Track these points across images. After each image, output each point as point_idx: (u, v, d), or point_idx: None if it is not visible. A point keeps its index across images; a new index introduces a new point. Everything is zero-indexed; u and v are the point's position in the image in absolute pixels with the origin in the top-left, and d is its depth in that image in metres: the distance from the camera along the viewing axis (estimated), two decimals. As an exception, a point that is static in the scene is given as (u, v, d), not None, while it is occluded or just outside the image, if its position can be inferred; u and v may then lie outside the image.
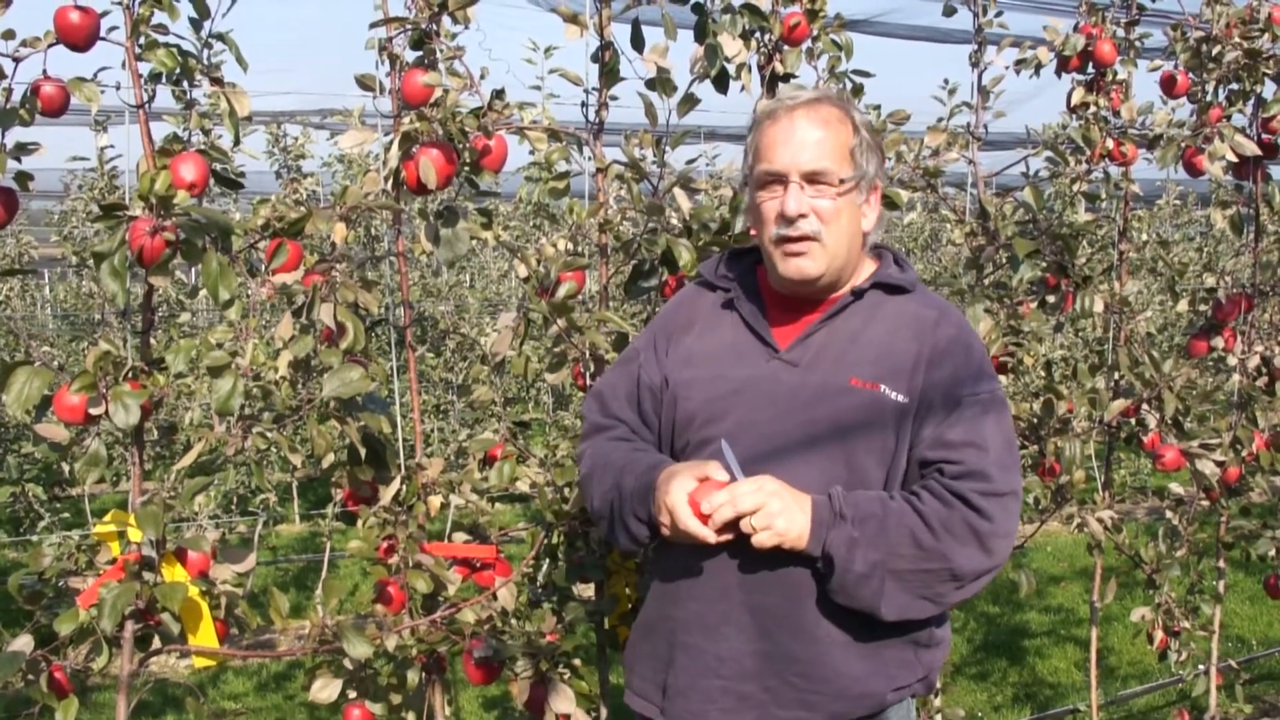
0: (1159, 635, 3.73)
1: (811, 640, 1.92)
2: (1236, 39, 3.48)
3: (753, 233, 2.11)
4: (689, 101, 2.67)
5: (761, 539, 1.83)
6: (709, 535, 1.86)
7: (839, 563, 1.85)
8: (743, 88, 2.70)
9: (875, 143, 2.04)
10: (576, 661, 2.58)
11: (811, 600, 1.92)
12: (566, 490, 2.69)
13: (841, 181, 1.97)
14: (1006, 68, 3.46)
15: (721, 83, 2.69)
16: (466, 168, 2.51)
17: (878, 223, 2.09)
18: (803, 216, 1.95)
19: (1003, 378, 3.09)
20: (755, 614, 1.93)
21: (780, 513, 1.84)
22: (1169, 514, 3.78)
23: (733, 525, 1.86)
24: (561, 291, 2.61)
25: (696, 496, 1.87)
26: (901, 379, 1.95)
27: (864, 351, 1.98)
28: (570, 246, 2.72)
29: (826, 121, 1.98)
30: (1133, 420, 3.49)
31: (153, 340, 2.33)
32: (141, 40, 2.23)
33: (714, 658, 1.95)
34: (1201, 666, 3.91)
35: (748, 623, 1.93)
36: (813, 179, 1.96)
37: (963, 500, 1.88)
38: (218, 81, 2.34)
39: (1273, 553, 3.77)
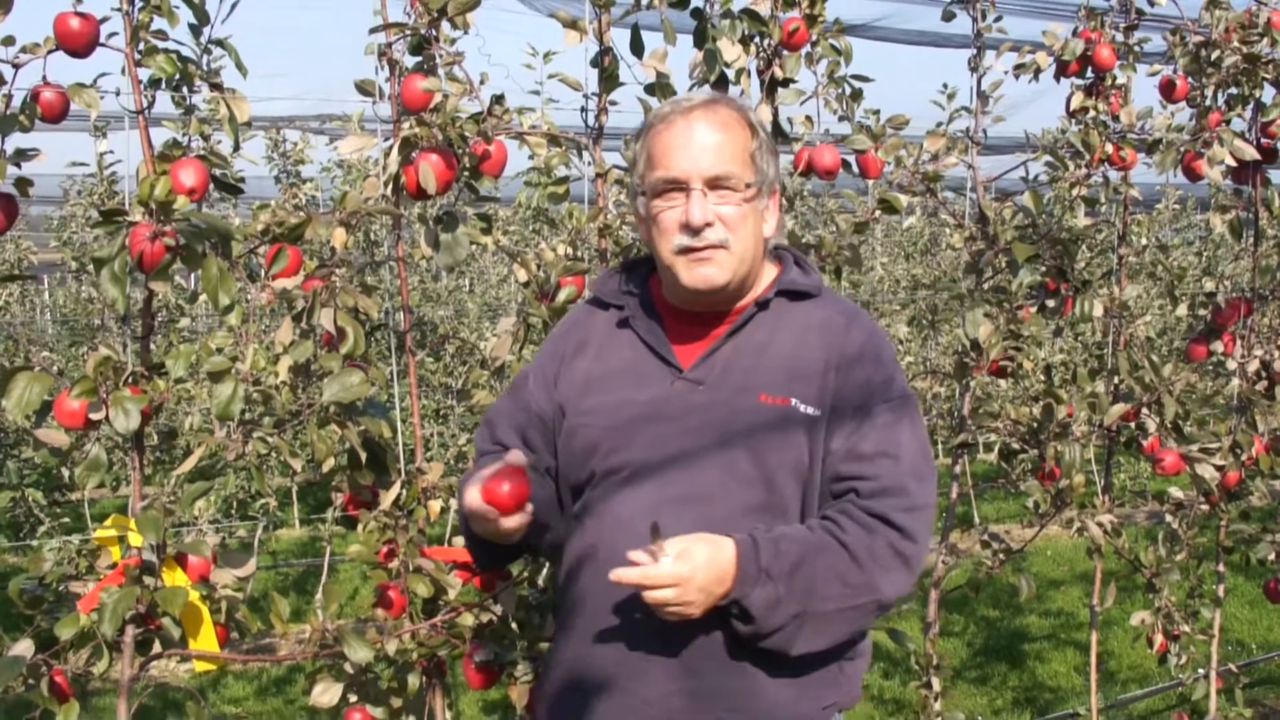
0: (1159, 639, 3.73)
1: (739, 674, 1.84)
2: (1235, 44, 3.48)
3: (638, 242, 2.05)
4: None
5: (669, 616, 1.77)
6: (494, 514, 1.80)
7: (757, 619, 1.78)
8: (742, 92, 2.71)
9: (772, 145, 1.97)
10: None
11: (734, 632, 1.83)
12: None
13: (747, 186, 1.89)
14: (1006, 72, 3.47)
15: (721, 87, 2.70)
16: (466, 173, 2.51)
17: (778, 227, 2.02)
18: (708, 225, 1.86)
19: (1002, 382, 3.10)
20: (679, 652, 1.84)
21: (696, 604, 1.75)
22: (1169, 518, 3.78)
23: (517, 511, 1.81)
24: (561, 296, 2.61)
25: (488, 482, 1.80)
26: (811, 389, 1.88)
27: (772, 364, 1.90)
28: (570, 251, 2.73)
29: (726, 124, 1.90)
30: (1132, 424, 3.49)
31: (152, 345, 2.34)
32: (141, 46, 2.23)
33: (640, 700, 1.86)
34: (1201, 670, 3.91)
35: (673, 662, 1.85)
36: (715, 185, 1.87)
37: (885, 521, 1.81)
38: (217, 87, 2.34)
39: (1272, 556, 3.77)
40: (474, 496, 1.83)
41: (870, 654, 2.03)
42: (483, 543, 1.96)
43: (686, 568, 1.72)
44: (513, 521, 1.83)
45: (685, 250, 1.88)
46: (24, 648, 2.17)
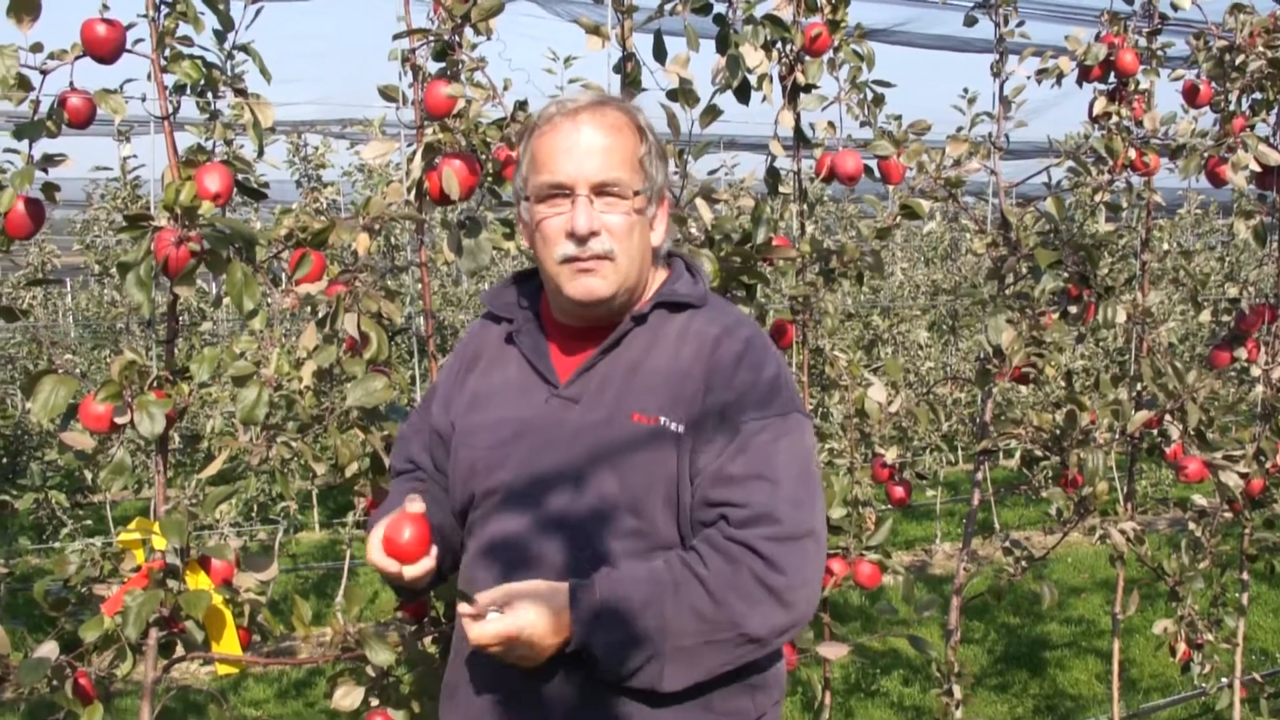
0: (1181, 648, 3.71)
1: (630, 705, 1.73)
2: (1260, 48, 3.46)
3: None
4: (711, 113, 2.67)
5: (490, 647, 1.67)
6: (396, 569, 1.76)
7: (603, 664, 1.68)
8: (764, 98, 2.71)
9: (662, 149, 1.87)
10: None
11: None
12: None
13: (635, 194, 1.79)
14: (1028, 77, 3.45)
15: (743, 93, 2.70)
16: (489, 178, 2.52)
17: (666, 234, 1.91)
18: (594, 234, 1.77)
19: (1023, 388, 3.08)
20: (556, 688, 1.74)
21: (530, 657, 1.68)
22: (1192, 526, 3.76)
23: (422, 558, 1.77)
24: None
25: (389, 532, 1.77)
26: (680, 406, 1.77)
27: (646, 382, 1.80)
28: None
29: (614, 127, 1.80)
30: (1155, 431, 3.47)
31: (175, 349, 2.35)
32: (167, 52, 2.25)
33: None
34: (1225, 680, 3.89)
35: (551, 698, 1.75)
36: (602, 191, 1.78)
37: (751, 550, 1.68)
38: (241, 92, 2.36)
39: (1296, 565, 3.75)
40: (376, 550, 1.78)
41: (783, 685, 1.90)
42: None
43: (512, 623, 1.65)
44: (415, 570, 1.78)
45: (570, 260, 1.79)
46: (49, 649, 2.18)
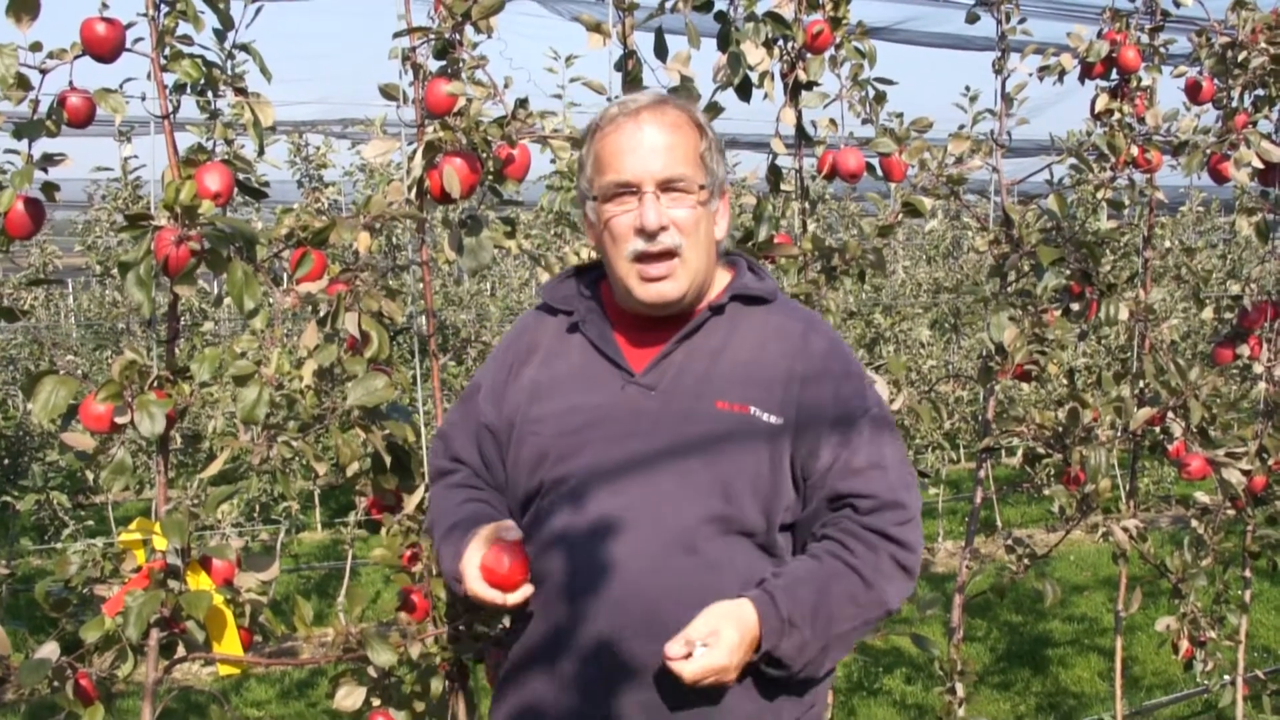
0: (1184, 645, 3.70)
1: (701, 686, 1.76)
2: (1262, 44, 3.46)
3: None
4: (712, 110, 2.67)
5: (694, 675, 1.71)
6: (500, 599, 1.80)
7: (790, 666, 1.78)
8: (766, 95, 2.70)
9: (720, 144, 1.93)
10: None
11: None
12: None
13: (700, 188, 1.85)
14: (1030, 74, 3.44)
15: (744, 91, 2.69)
16: (490, 177, 2.51)
17: (728, 228, 1.99)
18: (663, 229, 1.82)
19: (1025, 386, 3.08)
20: (639, 668, 1.79)
21: (732, 674, 1.74)
22: (1194, 523, 3.75)
23: (522, 584, 1.81)
24: (584, 300, 2.60)
25: (486, 561, 1.81)
26: (772, 398, 1.84)
27: (728, 371, 1.86)
28: (591, 255, 2.72)
29: (676, 126, 1.86)
30: (1157, 429, 3.47)
31: (176, 349, 2.35)
32: (166, 51, 2.24)
33: (600, 715, 1.81)
34: (1228, 677, 3.88)
35: (633, 677, 1.79)
36: (668, 187, 1.83)
37: (885, 537, 1.84)
38: (242, 92, 2.35)
39: (1299, 562, 3.74)
40: (475, 581, 1.82)
41: (835, 674, 2.08)
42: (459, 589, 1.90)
43: (721, 655, 1.71)
44: (517, 597, 1.83)
45: (640, 257, 1.84)
46: (50, 650, 2.18)
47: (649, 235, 1.82)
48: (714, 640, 1.71)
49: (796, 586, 1.78)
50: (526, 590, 1.83)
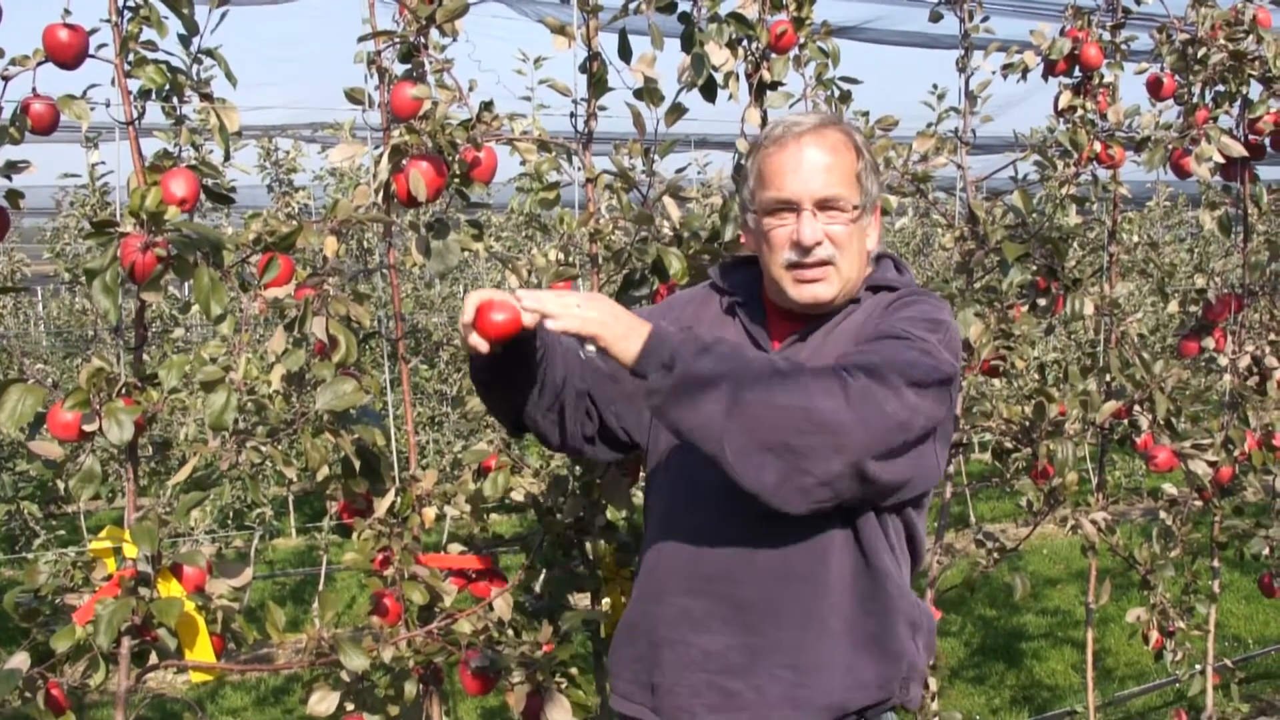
0: (1154, 636, 3.74)
1: (799, 628, 1.90)
2: (1222, 41, 3.49)
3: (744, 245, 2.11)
4: (676, 111, 2.68)
5: (564, 324, 1.77)
6: (478, 343, 1.82)
7: (681, 361, 1.75)
8: (730, 96, 2.71)
9: (875, 164, 2.06)
10: (573, 671, 2.58)
11: (799, 588, 1.90)
12: (560, 500, 2.70)
13: (854, 207, 1.98)
14: (994, 72, 3.47)
15: (709, 91, 2.70)
16: (456, 180, 2.52)
17: (879, 238, 2.11)
18: (818, 244, 1.96)
19: (995, 381, 3.10)
20: (740, 608, 1.92)
21: (597, 318, 1.78)
22: (1163, 514, 3.79)
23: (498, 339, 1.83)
24: (553, 301, 2.61)
25: (484, 305, 1.82)
26: (854, 343, 1.96)
27: (839, 341, 1.99)
28: (561, 257, 2.73)
29: (835, 148, 1.98)
30: (1125, 422, 3.50)
31: (146, 356, 2.34)
32: (130, 57, 2.24)
33: (700, 652, 1.94)
34: (1198, 666, 3.92)
35: (732, 617, 1.92)
36: (825, 206, 1.96)
37: (842, 369, 1.76)
38: (207, 97, 2.35)
39: (1266, 552, 3.78)
40: (471, 305, 1.84)
41: (934, 630, 2.07)
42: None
43: (573, 298, 1.79)
44: (481, 345, 1.83)
45: (794, 265, 1.98)
46: (20, 660, 2.17)
47: (804, 249, 1.95)
48: (588, 299, 1.81)
49: (712, 346, 1.79)
50: (488, 347, 1.83)
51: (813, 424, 1.71)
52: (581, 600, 2.81)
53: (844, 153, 1.99)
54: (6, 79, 2.19)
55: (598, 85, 2.67)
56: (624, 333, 1.79)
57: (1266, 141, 3.62)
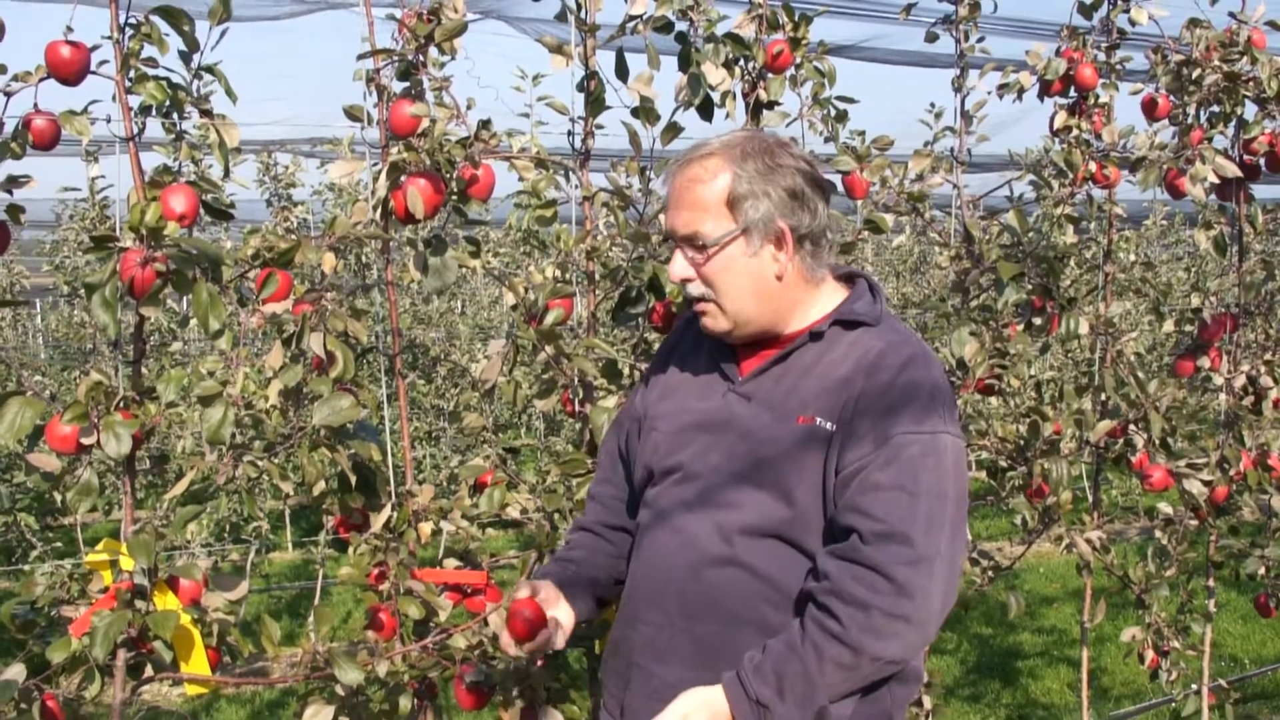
0: (1150, 655, 3.74)
1: None
2: (1216, 62, 3.51)
3: None
4: (672, 130, 2.70)
5: None
6: (510, 646, 2.02)
7: (769, 704, 1.79)
8: (727, 115, 2.73)
9: (777, 183, 1.90)
10: (568, 688, 2.59)
11: (751, 630, 1.88)
12: (556, 516, 2.71)
13: (719, 241, 1.89)
14: (989, 92, 3.50)
15: (706, 110, 2.72)
16: (454, 197, 2.53)
17: (801, 261, 1.94)
18: (688, 280, 1.94)
19: (992, 400, 3.11)
20: (696, 643, 1.93)
21: None
22: (1158, 534, 3.79)
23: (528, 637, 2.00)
24: (549, 318, 2.62)
25: (514, 607, 2.02)
26: (835, 408, 1.87)
27: (812, 386, 1.91)
28: (558, 274, 2.75)
29: (699, 178, 1.90)
30: (1120, 441, 3.51)
31: (144, 369, 2.35)
32: (131, 74, 2.25)
33: (661, 682, 1.94)
34: (1194, 686, 3.92)
35: (689, 651, 1.93)
36: (688, 242, 1.92)
37: (883, 576, 1.75)
38: (207, 113, 2.36)
39: (1261, 571, 3.78)
40: (503, 635, 2.04)
41: (917, 671, 2.02)
42: None
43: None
44: (515, 650, 2.02)
45: (688, 299, 1.99)
46: (16, 672, 2.17)
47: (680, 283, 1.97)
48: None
49: (771, 664, 1.80)
50: (532, 646, 2.02)
51: (888, 662, 1.81)
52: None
53: (710, 182, 1.88)
54: (9, 94, 2.21)
55: (595, 104, 2.68)
56: None
57: (1261, 162, 3.64)
